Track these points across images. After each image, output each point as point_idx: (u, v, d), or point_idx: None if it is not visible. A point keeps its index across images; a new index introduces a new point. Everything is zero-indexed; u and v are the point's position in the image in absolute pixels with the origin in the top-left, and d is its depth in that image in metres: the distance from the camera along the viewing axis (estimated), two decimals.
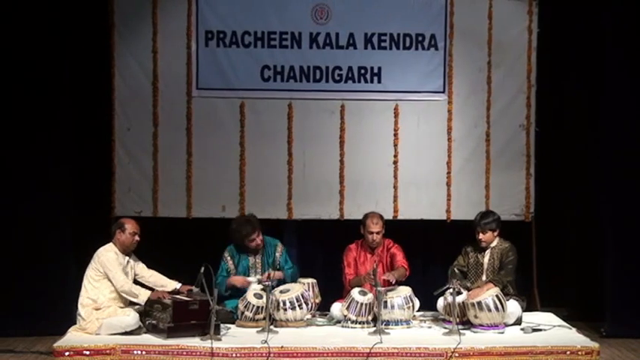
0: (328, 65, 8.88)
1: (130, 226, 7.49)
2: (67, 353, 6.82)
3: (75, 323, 7.33)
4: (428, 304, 7.92)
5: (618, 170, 8.64)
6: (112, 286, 7.34)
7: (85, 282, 7.33)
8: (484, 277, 7.85)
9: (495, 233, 7.96)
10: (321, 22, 8.88)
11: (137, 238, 7.51)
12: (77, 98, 8.64)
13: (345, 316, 7.56)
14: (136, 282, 7.57)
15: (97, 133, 8.85)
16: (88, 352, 6.82)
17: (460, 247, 8.15)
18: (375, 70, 8.88)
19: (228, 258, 8.04)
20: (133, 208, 8.77)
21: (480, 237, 7.90)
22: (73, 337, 7.12)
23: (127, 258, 7.50)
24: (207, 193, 8.85)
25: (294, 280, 8.00)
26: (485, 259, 7.91)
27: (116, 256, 7.38)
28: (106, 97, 8.78)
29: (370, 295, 7.57)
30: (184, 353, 6.81)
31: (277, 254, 8.13)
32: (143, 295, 7.28)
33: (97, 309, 7.24)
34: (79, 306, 7.27)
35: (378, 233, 8.00)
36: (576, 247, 9.29)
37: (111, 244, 7.48)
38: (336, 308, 7.82)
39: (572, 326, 7.66)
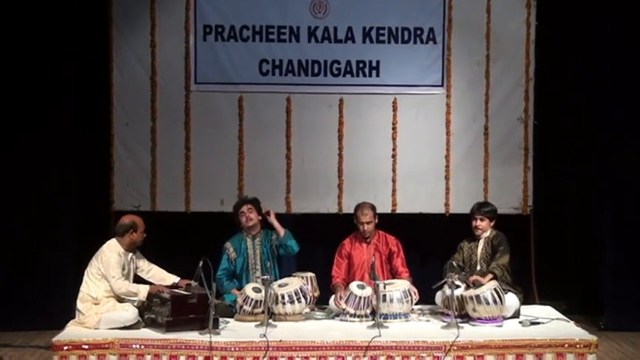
0: (327, 59, 8.89)
1: (140, 225, 7.42)
2: (65, 347, 6.75)
3: (74, 318, 7.27)
4: (426, 297, 7.88)
5: (619, 163, 8.71)
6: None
7: (86, 278, 7.27)
8: (478, 267, 7.83)
9: (491, 223, 7.95)
10: (320, 16, 8.88)
11: (145, 235, 7.47)
12: (76, 93, 8.65)
13: (344, 309, 7.53)
14: (136, 277, 7.50)
15: (96, 128, 8.84)
16: (86, 347, 6.76)
17: (459, 241, 8.12)
18: (374, 64, 8.90)
19: (231, 248, 8.01)
20: (131, 203, 8.79)
21: (476, 224, 7.90)
22: (71, 331, 7.06)
23: (130, 254, 7.43)
24: (206, 188, 8.87)
25: (293, 243, 8.01)
26: (479, 250, 7.91)
27: (119, 257, 7.27)
28: (105, 92, 8.78)
29: (369, 289, 7.54)
30: (183, 347, 6.77)
31: (273, 237, 8.08)
32: (143, 292, 7.24)
33: (95, 304, 7.20)
34: (78, 301, 7.21)
35: (368, 223, 7.98)
36: (575, 240, 9.33)
37: (115, 242, 7.35)
38: (334, 302, 7.83)
39: (571, 319, 7.61)
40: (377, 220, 8.09)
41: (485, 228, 7.92)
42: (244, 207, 8.00)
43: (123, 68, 8.78)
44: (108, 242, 7.38)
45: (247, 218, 7.97)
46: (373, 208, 8.07)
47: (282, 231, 8.03)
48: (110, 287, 7.19)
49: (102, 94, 8.78)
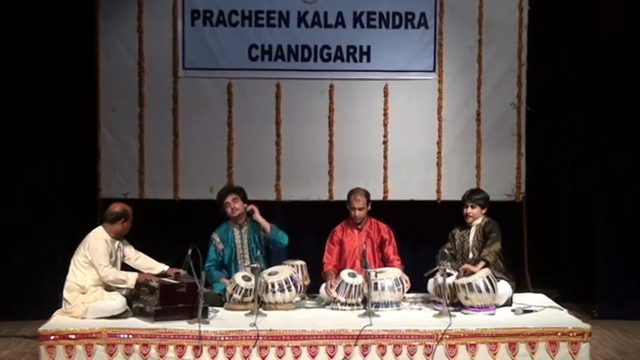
0: (317, 44, 8.85)
1: (130, 214, 7.38)
2: (52, 337, 6.71)
3: (61, 307, 7.21)
4: (418, 285, 7.84)
5: (613, 150, 8.67)
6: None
7: (73, 267, 7.20)
8: (470, 255, 7.81)
9: (483, 211, 7.90)
10: (310, 1, 8.85)
11: (132, 223, 7.44)
12: (63, 79, 8.62)
13: (335, 298, 7.49)
14: (123, 265, 7.44)
15: (83, 115, 8.81)
16: (73, 336, 6.72)
17: (450, 228, 8.08)
18: (365, 49, 8.86)
19: (217, 239, 7.94)
20: (118, 190, 8.77)
21: (467, 211, 7.86)
22: (58, 320, 7.01)
23: (118, 242, 7.37)
24: (195, 175, 8.84)
25: (282, 236, 7.94)
26: (471, 237, 7.88)
27: (106, 245, 7.22)
28: (92, 79, 8.74)
29: (360, 277, 7.50)
30: (172, 337, 6.73)
31: (260, 233, 7.99)
32: (131, 279, 7.17)
33: (82, 293, 7.13)
34: (65, 290, 7.15)
35: (361, 209, 7.94)
36: (568, 227, 9.32)
37: (102, 229, 7.29)
38: (324, 290, 7.78)
39: (564, 307, 7.59)
40: (370, 207, 8.05)
41: (476, 215, 7.87)
42: (229, 197, 7.91)
43: (110, 54, 8.73)
44: (94, 230, 7.32)
45: (233, 209, 7.89)
46: (367, 194, 8.03)
47: (268, 226, 7.91)
48: (98, 275, 7.12)
49: (89, 81, 8.75)
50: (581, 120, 9.04)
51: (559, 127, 9.21)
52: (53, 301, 7.38)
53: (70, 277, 7.17)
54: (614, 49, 8.63)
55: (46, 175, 8.50)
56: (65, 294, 7.14)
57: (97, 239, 7.21)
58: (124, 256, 7.46)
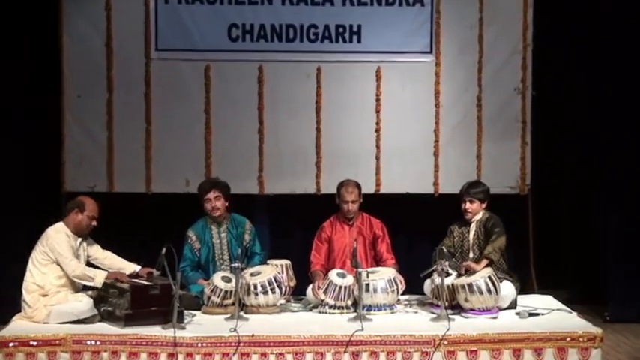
0: (303, 23, 8.68)
1: (90, 208, 7.08)
2: (11, 344, 6.38)
3: (20, 311, 6.91)
4: (414, 286, 7.63)
5: (622, 141, 8.58)
6: (60, 271, 6.92)
7: (31, 266, 6.91)
8: (471, 254, 7.58)
9: (483, 205, 7.65)
10: None
11: (95, 223, 7.14)
12: (23, 62, 8.48)
13: (323, 300, 7.26)
14: (89, 265, 7.16)
15: (45, 101, 8.60)
16: (35, 343, 6.41)
17: (449, 224, 7.84)
18: (355, 29, 8.69)
19: (193, 237, 7.71)
20: (85, 183, 8.59)
21: (465, 206, 7.61)
22: (17, 326, 6.69)
23: (80, 239, 7.10)
24: (169, 166, 8.68)
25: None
26: (471, 235, 7.64)
27: (67, 238, 6.96)
28: (54, 60, 8.53)
29: (350, 277, 7.28)
30: (144, 343, 6.46)
31: (246, 235, 7.80)
32: (99, 277, 6.88)
33: (44, 295, 6.84)
34: (24, 292, 6.83)
35: (353, 202, 7.74)
36: (576, 222, 9.21)
37: (62, 224, 7.04)
38: (311, 292, 7.59)
39: (573, 310, 7.34)
40: (361, 200, 7.86)
41: (475, 211, 7.60)
42: (211, 193, 7.66)
43: (74, 34, 8.54)
44: (53, 225, 7.07)
45: (213, 207, 7.65)
46: (358, 186, 7.84)
47: None
48: (62, 272, 6.86)
49: (52, 63, 8.54)
50: (591, 105, 8.90)
51: (567, 114, 9.04)
52: (13, 303, 7.06)
53: (27, 276, 6.90)
54: (614, 49, 8.58)
55: (5, 167, 8.33)
56: (24, 296, 6.87)
57: (57, 232, 6.97)
58: (89, 256, 7.19)
